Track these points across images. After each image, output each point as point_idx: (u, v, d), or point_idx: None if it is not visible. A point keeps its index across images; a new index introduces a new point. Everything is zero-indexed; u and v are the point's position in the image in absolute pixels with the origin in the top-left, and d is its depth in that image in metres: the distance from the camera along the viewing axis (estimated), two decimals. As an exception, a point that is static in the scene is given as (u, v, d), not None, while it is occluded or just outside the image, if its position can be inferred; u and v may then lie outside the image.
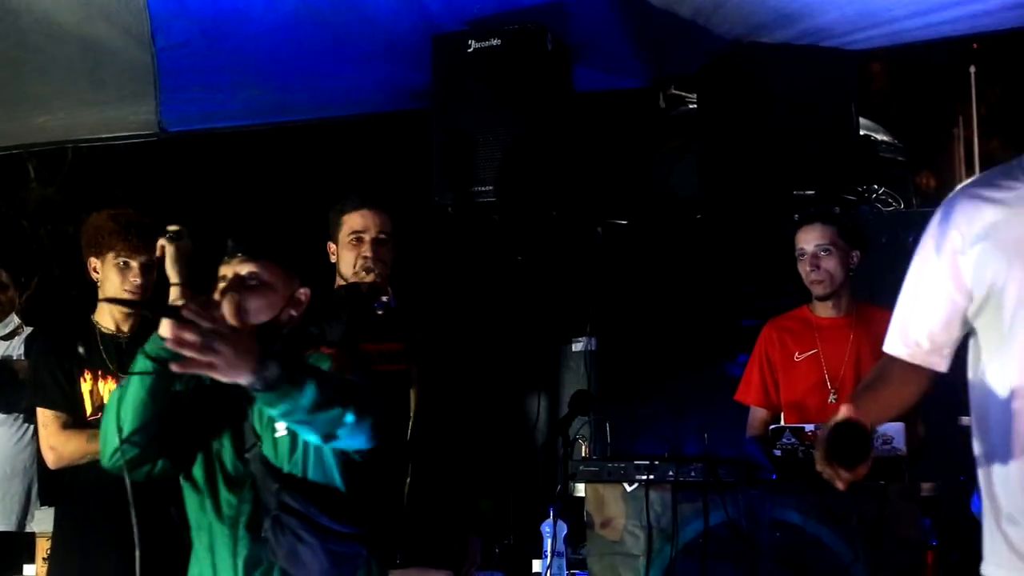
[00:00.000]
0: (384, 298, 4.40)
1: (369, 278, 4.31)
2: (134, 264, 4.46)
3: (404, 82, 5.69)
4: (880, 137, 6.06)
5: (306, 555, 3.35)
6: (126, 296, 4.47)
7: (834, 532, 3.94)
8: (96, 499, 4.35)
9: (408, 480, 4.44)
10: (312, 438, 3.21)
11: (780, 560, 3.97)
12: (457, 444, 4.57)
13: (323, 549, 3.35)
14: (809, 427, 4.07)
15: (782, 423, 4.50)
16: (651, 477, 4.13)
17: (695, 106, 5.66)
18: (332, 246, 4.43)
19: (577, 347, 5.24)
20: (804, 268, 4.70)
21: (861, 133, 5.43)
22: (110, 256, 4.46)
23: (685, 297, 5.41)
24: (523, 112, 5.05)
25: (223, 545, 3.44)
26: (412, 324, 4.52)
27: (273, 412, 3.13)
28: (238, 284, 3.37)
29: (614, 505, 4.21)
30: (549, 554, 4.39)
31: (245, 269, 3.39)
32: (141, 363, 3.25)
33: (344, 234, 4.36)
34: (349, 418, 3.17)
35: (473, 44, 5.13)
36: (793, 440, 4.07)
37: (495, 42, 5.11)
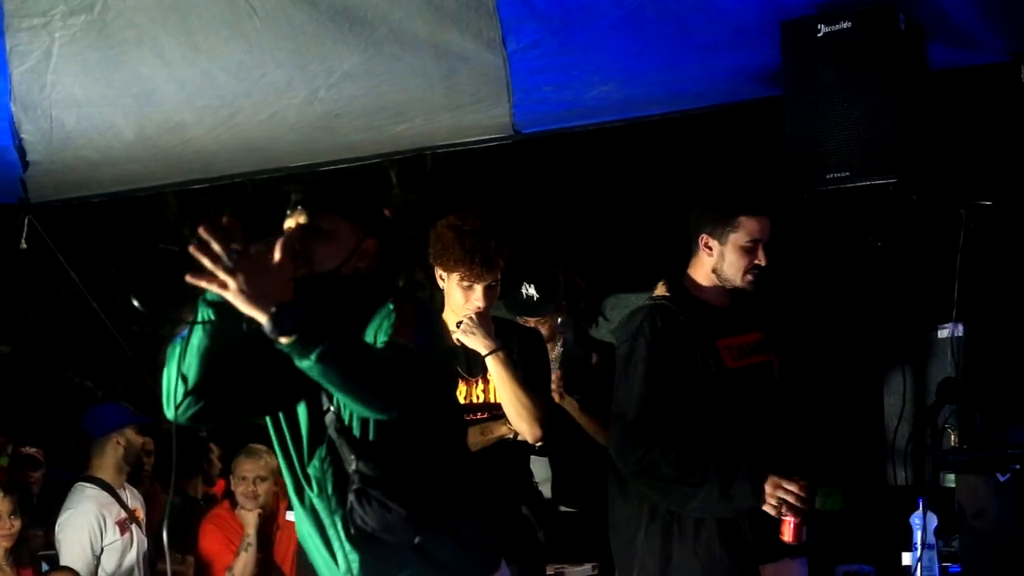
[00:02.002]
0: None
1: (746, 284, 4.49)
2: (478, 288, 4.62)
3: (752, 70, 5.63)
4: None
5: (397, 526, 3.39)
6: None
7: None
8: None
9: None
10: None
11: None
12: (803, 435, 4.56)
13: (412, 520, 3.38)
14: None
15: None
16: (1026, 466, 3.99)
17: (1058, 77, 5.41)
18: (703, 236, 4.50)
19: (943, 333, 5.08)
20: None
21: None
22: (455, 276, 4.62)
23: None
24: (877, 95, 4.92)
25: (321, 507, 3.49)
26: (769, 313, 4.53)
27: (302, 367, 3.16)
28: (300, 233, 3.45)
29: (987, 495, 4.07)
30: (919, 546, 4.29)
31: (306, 220, 3.48)
32: (202, 311, 3.30)
33: (740, 237, 4.51)
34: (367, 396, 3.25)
35: (823, 28, 5.03)
36: None
37: (845, 25, 5.00)
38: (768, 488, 4.26)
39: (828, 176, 4.93)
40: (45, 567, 6.59)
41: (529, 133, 6.08)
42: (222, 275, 3.08)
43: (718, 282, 4.60)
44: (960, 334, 4.99)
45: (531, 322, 6.07)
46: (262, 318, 3.10)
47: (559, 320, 6.22)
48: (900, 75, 4.95)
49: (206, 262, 3.08)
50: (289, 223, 3.52)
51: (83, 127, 6.01)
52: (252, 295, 3.09)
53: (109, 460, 6.61)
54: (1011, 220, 5.30)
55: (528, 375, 4.90)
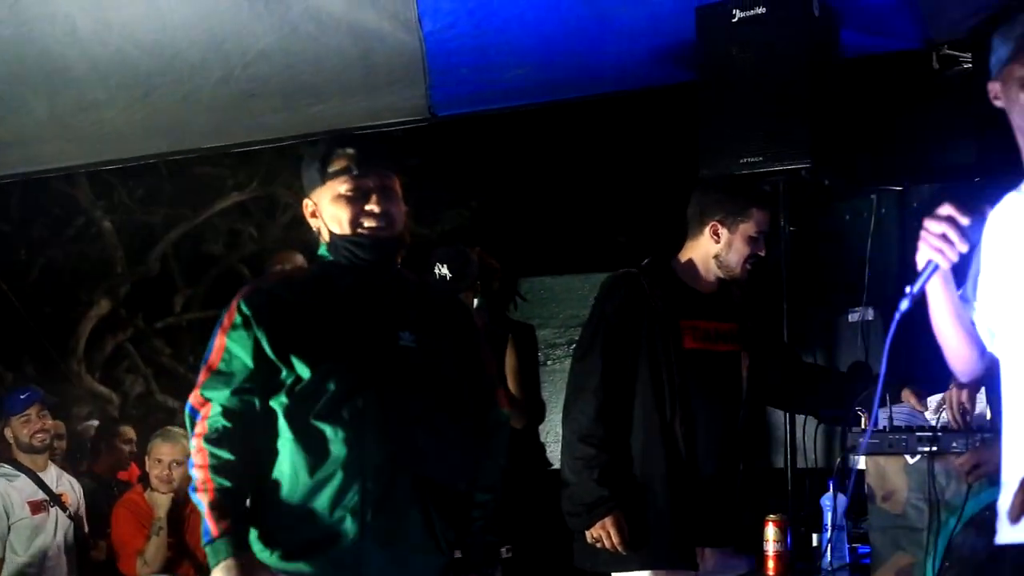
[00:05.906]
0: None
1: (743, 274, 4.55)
2: None
3: (669, 55, 5.65)
4: None
5: (454, 457, 3.41)
6: None
7: None
8: None
9: (741, 467, 4.47)
10: None
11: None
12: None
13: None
14: None
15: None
16: (934, 448, 4.02)
17: (970, 66, 5.46)
18: (714, 224, 4.52)
19: (853, 317, 5.13)
20: None
21: None
22: None
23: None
24: (791, 80, 4.97)
25: (338, 441, 3.30)
26: (744, 306, 4.55)
27: None
28: (380, 192, 3.37)
29: (896, 478, 4.10)
30: (829, 528, 4.32)
31: (381, 180, 3.38)
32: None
33: (750, 227, 4.52)
34: None
35: (738, 13, 5.06)
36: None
37: (760, 10, 5.03)
38: (609, 520, 4.37)
39: (742, 160, 4.96)
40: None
41: (446, 115, 6.07)
42: None
43: (716, 269, 4.56)
44: (870, 318, 5.04)
45: None
46: None
47: (475, 301, 6.21)
48: (814, 61, 4.99)
49: None
50: (363, 183, 3.35)
51: (-6, 106, 5.92)
52: None
53: (18, 443, 6.59)
54: (916, 205, 5.35)
55: None
